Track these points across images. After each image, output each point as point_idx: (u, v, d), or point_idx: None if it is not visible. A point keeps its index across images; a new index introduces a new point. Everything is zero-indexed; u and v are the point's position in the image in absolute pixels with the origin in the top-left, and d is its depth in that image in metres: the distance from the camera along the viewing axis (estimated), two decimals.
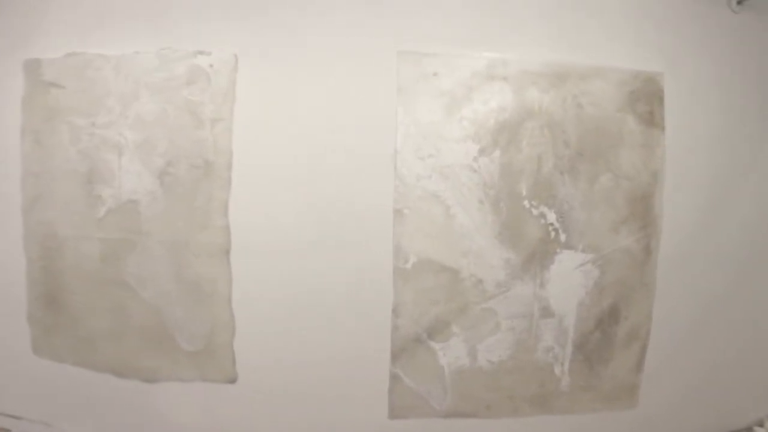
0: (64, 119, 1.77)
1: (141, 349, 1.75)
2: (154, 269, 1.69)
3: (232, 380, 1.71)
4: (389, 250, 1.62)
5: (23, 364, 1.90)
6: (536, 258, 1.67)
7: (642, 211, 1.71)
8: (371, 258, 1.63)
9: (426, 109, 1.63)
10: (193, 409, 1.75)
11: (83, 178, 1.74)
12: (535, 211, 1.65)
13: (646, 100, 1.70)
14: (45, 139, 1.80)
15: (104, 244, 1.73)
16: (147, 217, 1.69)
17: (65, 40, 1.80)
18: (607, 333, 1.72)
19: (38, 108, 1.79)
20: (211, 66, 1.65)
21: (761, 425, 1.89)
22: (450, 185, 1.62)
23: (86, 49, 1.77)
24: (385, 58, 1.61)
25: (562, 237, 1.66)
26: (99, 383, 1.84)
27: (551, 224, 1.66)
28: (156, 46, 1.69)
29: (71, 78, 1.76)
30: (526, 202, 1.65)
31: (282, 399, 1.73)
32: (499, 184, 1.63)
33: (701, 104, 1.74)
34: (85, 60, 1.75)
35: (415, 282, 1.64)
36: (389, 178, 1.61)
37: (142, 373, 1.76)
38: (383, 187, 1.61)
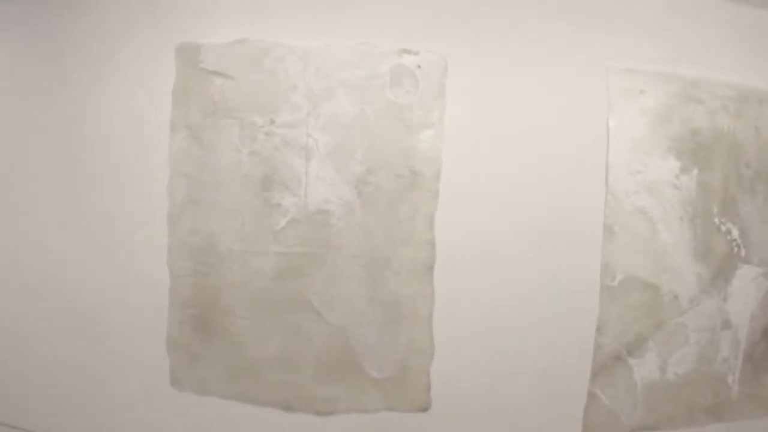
0: (231, 114, 1.45)
1: (318, 377, 1.46)
2: (344, 287, 1.42)
3: (425, 409, 1.47)
4: (597, 267, 1.50)
5: (159, 398, 1.53)
6: (722, 273, 1.64)
7: None
8: (578, 274, 1.48)
9: (633, 125, 1.53)
10: None
11: (257, 184, 1.43)
12: (723, 228, 1.62)
13: None
14: (206, 136, 1.46)
15: (282, 259, 1.43)
16: (339, 229, 1.42)
17: (233, 24, 1.48)
18: None
19: (196, 100, 1.46)
20: (419, 67, 1.41)
21: None
22: (656, 201, 1.54)
23: (261, 36, 1.49)
24: (595, 72, 1.48)
25: (743, 252, 1.66)
26: (258, 418, 1.51)
27: (734, 240, 1.64)
28: (352, 40, 1.45)
29: (242, 68, 1.44)
30: (716, 219, 1.61)
31: (475, 424, 1.54)
32: (696, 202, 1.57)
33: None
34: (262, 48, 1.44)
35: (620, 300, 1.52)
36: (600, 194, 1.49)
37: (316, 405, 1.47)
38: (594, 202, 1.49)
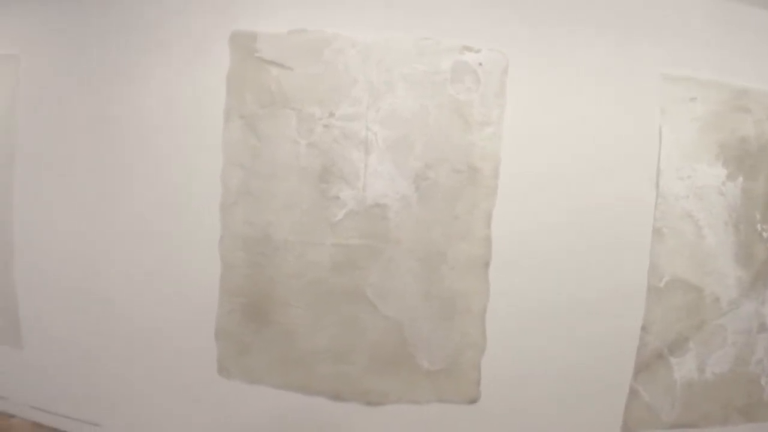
0: (289, 105, 1.44)
1: (369, 369, 1.47)
2: (400, 281, 1.42)
3: (474, 400, 1.50)
4: (644, 267, 1.52)
5: (206, 386, 1.53)
6: (761, 277, 1.67)
7: None
8: (626, 274, 1.50)
9: (684, 131, 1.55)
10: None
11: (315, 176, 1.43)
12: (764, 234, 1.64)
13: None
14: (261, 126, 1.46)
15: (339, 251, 1.43)
16: (396, 223, 1.42)
17: (290, 13, 1.47)
18: None
19: (251, 90, 1.45)
20: (480, 65, 1.41)
21: None
22: (703, 206, 1.57)
23: (320, 26, 1.47)
24: (649, 78, 1.48)
25: None
26: (307, 407, 1.52)
27: None
28: (413, 35, 1.44)
29: (301, 58, 1.43)
30: (758, 226, 1.63)
31: (520, 416, 1.56)
32: (740, 208, 1.59)
33: None
34: (322, 40, 1.43)
35: (666, 300, 1.54)
36: (651, 196, 1.51)
37: (366, 396, 1.48)
38: (644, 204, 1.50)
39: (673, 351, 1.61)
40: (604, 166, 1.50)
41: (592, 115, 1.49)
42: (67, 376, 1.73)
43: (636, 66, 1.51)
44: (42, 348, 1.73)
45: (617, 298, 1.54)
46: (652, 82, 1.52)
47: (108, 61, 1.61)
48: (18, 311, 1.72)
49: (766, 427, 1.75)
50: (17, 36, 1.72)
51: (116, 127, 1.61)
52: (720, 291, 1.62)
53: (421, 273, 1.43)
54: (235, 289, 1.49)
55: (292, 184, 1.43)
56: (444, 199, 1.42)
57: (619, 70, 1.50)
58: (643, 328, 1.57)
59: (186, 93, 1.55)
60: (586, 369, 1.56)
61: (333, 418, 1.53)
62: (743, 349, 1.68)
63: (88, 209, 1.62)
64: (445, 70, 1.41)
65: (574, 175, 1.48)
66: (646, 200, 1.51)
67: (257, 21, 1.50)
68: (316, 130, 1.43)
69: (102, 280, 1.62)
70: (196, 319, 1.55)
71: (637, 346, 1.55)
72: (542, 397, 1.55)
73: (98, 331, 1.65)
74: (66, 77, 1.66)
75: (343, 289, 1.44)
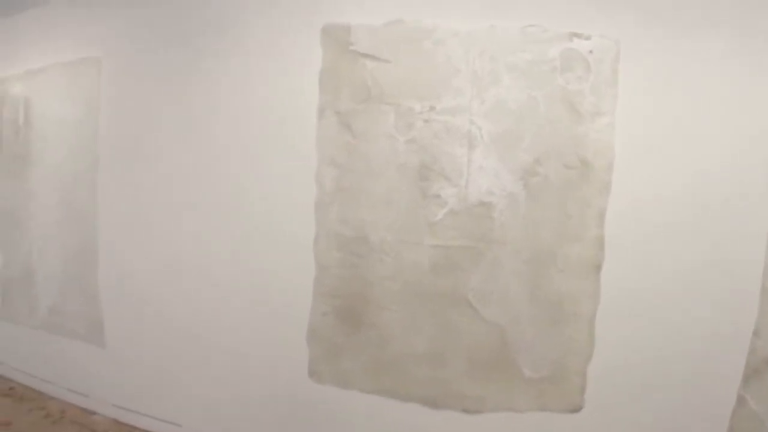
0: (386, 100, 1.34)
1: (467, 374, 1.38)
2: (503, 284, 1.32)
3: (577, 409, 1.40)
4: (759, 269, 1.44)
5: (295, 390, 1.47)
6: None
7: None
8: (740, 274, 1.39)
9: None
10: None
11: (414, 174, 1.33)
12: None
13: None
14: (357, 123, 1.36)
15: (438, 253, 1.33)
16: (502, 223, 1.31)
17: (385, 3, 1.37)
18: None
19: (346, 85, 1.36)
20: (590, 52, 1.29)
21: None
22: None
23: (418, 17, 1.37)
24: None
25: None
26: (402, 414, 1.44)
27: None
28: (518, 22, 1.33)
29: (399, 51, 1.33)
30: None
31: (624, 424, 1.44)
32: None
33: None
34: (421, 30, 1.33)
35: None
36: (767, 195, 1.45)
37: (463, 403, 1.39)
38: (760, 203, 1.39)
39: None
40: (721, 161, 1.36)
41: (708, 107, 1.35)
42: (149, 375, 1.69)
43: (756, 56, 1.39)
44: (124, 347, 1.70)
45: (730, 302, 1.42)
46: None
47: (191, 62, 1.54)
48: (101, 310, 1.70)
49: None
50: (100, 39, 1.68)
51: (201, 128, 1.54)
52: None
53: (527, 275, 1.32)
54: (329, 290, 1.41)
55: (390, 182, 1.34)
56: (554, 196, 1.30)
57: (738, 59, 1.36)
58: (755, 333, 1.46)
59: (277, 90, 1.47)
60: (694, 376, 1.45)
61: (428, 425, 1.46)
62: None
63: (173, 212, 1.56)
64: (553, 58, 1.29)
65: (688, 172, 1.35)
66: (762, 199, 1.41)
67: (350, 13, 1.41)
68: (415, 125, 1.33)
69: (187, 282, 1.57)
70: (288, 321, 1.49)
71: (748, 351, 1.47)
72: (646, 405, 1.45)
73: (181, 331, 1.61)
74: (149, 79, 1.61)
75: (442, 292, 1.35)
